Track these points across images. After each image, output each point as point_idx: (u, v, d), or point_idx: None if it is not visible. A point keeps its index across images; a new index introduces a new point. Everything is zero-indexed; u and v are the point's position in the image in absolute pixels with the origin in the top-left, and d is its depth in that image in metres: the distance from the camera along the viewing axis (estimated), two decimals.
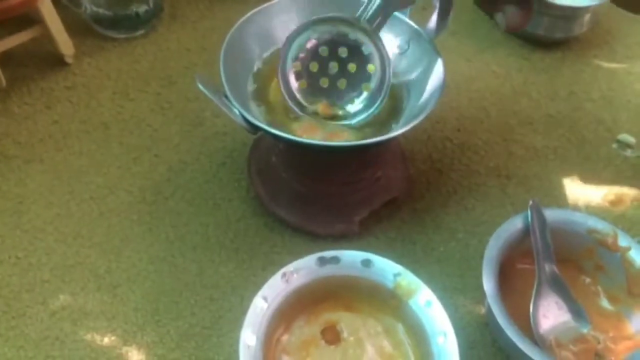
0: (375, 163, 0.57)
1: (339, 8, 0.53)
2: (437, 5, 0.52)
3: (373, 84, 0.51)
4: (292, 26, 0.53)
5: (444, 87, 0.51)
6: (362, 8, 0.50)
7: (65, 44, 0.66)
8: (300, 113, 0.52)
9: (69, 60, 0.68)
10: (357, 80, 0.52)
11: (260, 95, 0.54)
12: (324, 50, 0.51)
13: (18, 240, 0.55)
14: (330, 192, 0.57)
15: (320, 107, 0.52)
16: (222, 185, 0.60)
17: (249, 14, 0.54)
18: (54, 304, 0.51)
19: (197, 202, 0.59)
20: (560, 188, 0.63)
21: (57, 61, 0.68)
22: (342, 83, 0.52)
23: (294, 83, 0.52)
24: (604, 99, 0.71)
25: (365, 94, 0.52)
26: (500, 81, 0.72)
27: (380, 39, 0.51)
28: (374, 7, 0.50)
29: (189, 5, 0.77)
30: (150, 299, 0.52)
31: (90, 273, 0.53)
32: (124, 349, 0.49)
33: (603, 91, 0.72)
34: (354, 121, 0.52)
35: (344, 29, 0.51)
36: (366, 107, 0.52)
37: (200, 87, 0.48)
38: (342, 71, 0.52)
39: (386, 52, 0.51)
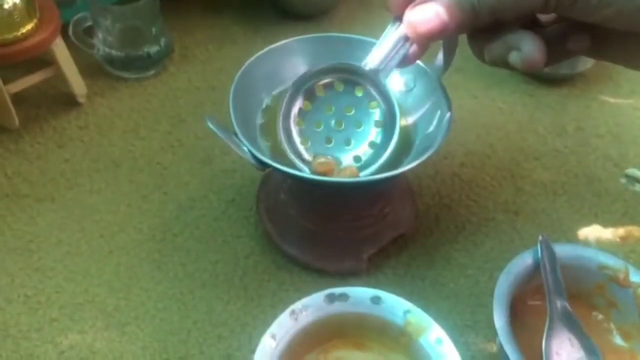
0: (384, 199, 0.57)
1: (347, 50, 0.54)
2: (442, 43, 0.53)
3: (376, 135, 0.51)
4: (300, 66, 0.54)
5: (450, 123, 0.51)
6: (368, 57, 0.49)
7: (78, 84, 0.68)
8: (303, 168, 0.51)
9: (81, 100, 0.69)
10: (359, 131, 0.51)
11: (269, 130, 0.55)
12: (329, 109, 0.51)
13: (27, 279, 0.55)
14: (338, 229, 0.57)
15: (318, 163, 0.51)
16: (231, 222, 0.60)
17: (258, 54, 0.55)
18: (62, 343, 0.51)
19: (205, 239, 0.59)
20: (569, 223, 0.63)
21: (69, 101, 0.69)
22: (350, 140, 0.51)
23: (295, 137, 0.51)
24: (610, 134, 0.71)
25: (368, 147, 0.51)
26: (506, 117, 0.73)
27: (385, 86, 0.50)
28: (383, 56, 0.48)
29: (199, 46, 0.78)
30: (159, 338, 0.52)
31: (99, 311, 0.53)
32: None
33: (610, 126, 0.72)
34: (362, 174, 0.51)
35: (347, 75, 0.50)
36: (373, 157, 0.51)
37: (210, 126, 0.49)
38: (342, 120, 0.51)
39: (391, 99, 0.50)
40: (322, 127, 0.52)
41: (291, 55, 0.56)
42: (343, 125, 0.52)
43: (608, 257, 0.52)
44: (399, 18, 0.45)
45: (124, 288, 0.55)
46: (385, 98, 0.50)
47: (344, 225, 0.56)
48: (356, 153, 0.52)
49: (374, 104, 0.51)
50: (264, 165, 0.49)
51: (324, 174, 0.51)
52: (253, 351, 0.44)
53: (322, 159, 0.51)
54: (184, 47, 0.78)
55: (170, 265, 0.57)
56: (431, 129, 0.53)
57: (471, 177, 0.66)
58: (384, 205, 0.57)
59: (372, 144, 0.51)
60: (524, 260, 0.52)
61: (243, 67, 0.54)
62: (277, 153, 0.53)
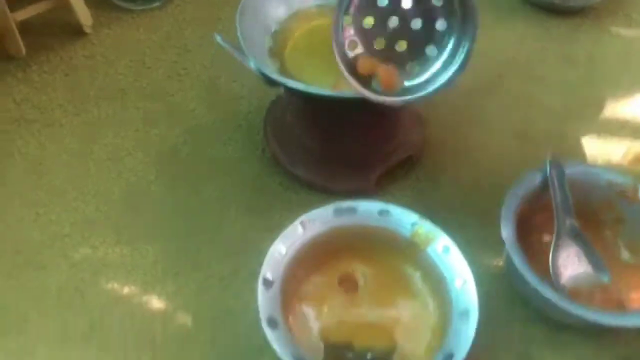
0: (391, 120, 0.57)
1: None
2: None
3: (440, 47, 0.44)
4: None
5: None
6: None
7: (83, 14, 0.67)
8: (359, 88, 0.44)
9: (87, 30, 0.69)
10: (420, 41, 0.44)
11: (277, 53, 0.55)
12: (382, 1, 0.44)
13: (38, 199, 0.56)
14: (345, 150, 0.57)
15: (381, 73, 0.44)
16: (239, 147, 0.61)
17: None
18: (73, 257, 0.52)
19: (214, 162, 0.59)
20: (578, 148, 0.62)
21: (75, 31, 0.69)
22: (401, 45, 0.45)
23: (347, 50, 0.44)
24: (621, 63, 0.71)
25: (432, 60, 0.44)
26: (516, 48, 0.72)
27: None
28: None
29: None
30: (169, 254, 0.52)
31: (110, 228, 0.54)
32: (144, 298, 0.50)
33: (620, 56, 0.71)
34: (417, 95, 0.45)
35: None
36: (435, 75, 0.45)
37: (219, 40, 0.49)
38: (404, 28, 0.44)
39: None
40: (373, 24, 0.44)
41: None
42: (398, 24, 0.44)
43: (617, 174, 0.52)
44: None
45: (134, 207, 0.55)
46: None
47: (351, 145, 0.56)
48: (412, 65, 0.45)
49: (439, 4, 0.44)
50: (271, 81, 0.49)
51: (366, 72, 0.45)
52: (261, 265, 0.45)
53: (366, 57, 0.45)
54: None
55: (178, 187, 0.57)
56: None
57: (481, 105, 0.66)
58: (391, 125, 0.57)
59: (431, 52, 0.45)
60: (533, 177, 0.52)
61: None
62: (285, 73, 0.53)
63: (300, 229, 0.48)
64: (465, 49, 0.45)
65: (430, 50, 0.46)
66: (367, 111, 0.55)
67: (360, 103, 0.51)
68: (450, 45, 0.45)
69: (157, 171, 0.58)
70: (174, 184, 0.57)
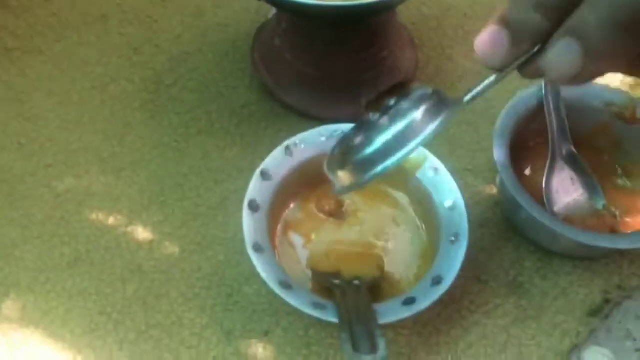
0: (381, 41, 0.55)
1: None
2: None
3: None
4: None
5: None
6: None
7: None
8: None
9: None
10: None
11: None
12: None
13: (20, 128, 0.54)
14: (335, 73, 0.55)
15: None
16: (226, 75, 0.59)
17: None
18: (58, 187, 0.51)
19: (200, 90, 0.57)
20: None
21: None
22: None
23: None
24: None
25: None
26: None
27: None
28: None
29: None
30: (155, 182, 0.52)
31: (94, 157, 0.53)
32: (130, 227, 0.49)
33: None
34: None
35: None
36: None
37: None
38: None
39: None
40: None
41: None
42: None
43: (614, 93, 0.50)
44: None
45: (118, 136, 0.54)
46: None
47: (341, 68, 0.54)
48: None
49: None
50: None
51: None
52: None
53: None
54: None
55: (164, 115, 0.55)
56: None
57: (476, 29, 0.62)
58: (381, 47, 0.55)
59: None
60: (527, 98, 0.50)
61: None
62: None
63: (285, 155, 0.46)
64: None
65: None
66: (359, 30, 0.53)
67: (349, 16, 0.48)
68: None
69: (142, 99, 0.56)
70: (159, 112, 0.56)
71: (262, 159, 0.53)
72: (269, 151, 0.53)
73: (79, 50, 0.59)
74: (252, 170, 0.52)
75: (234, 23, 0.63)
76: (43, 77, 0.57)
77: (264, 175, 0.45)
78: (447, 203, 0.44)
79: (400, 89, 0.35)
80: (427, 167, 0.46)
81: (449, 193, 0.44)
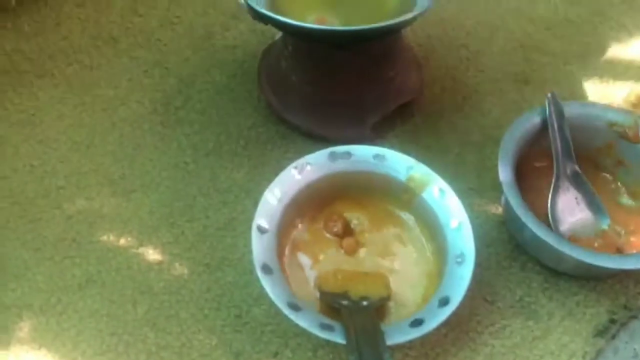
0: (387, 63, 0.56)
1: None
2: None
3: None
4: None
5: None
6: None
7: None
8: None
9: None
10: None
11: None
12: None
13: (32, 150, 0.55)
14: (341, 95, 0.55)
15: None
16: (234, 96, 0.60)
17: None
18: (69, 209, 0.52)
19: (208, 112, 0.58)
20: (580, 91, 0.61)
21: None
22: None
23: None
24: (624, 3, 0.68)
25: None
26: None
27: None
28: None
29: None
30: (165, 203, 0.52)
31: (105, 179, 0.53)
32: (140, 249, 0.50)
33: None
34: None
35: None
36: None
37: None
38: None
39: None
40: None
41: None
42: None
43: (617, 114, 0.51)
44: None
45: (129, 158, 0.55)
46: None
47: (348, 89, 0.55)
48: None
49: None
50: (261, 17, 0.47)
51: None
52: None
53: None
54: None
55: (173, 137, 0.56)
56: None
57: (479, 48, 0.64)
58: (388, 69, 0.55)
59: None
60: (531, 118, 0.51)
61: None
62: (275, 10, 0.51)
63: (294, 174, 0.47)
64: None
65: None
66: (362, 52, 0.54)
67: (353, 39, 0.49)
68: None
69: (151, 121, 0.57)
70: (168, 134, 0.57)
71: (269, 179, 0.53)
72: (275, 172, 0.54)
73: (90, 73, 0.60)
74: (260, 192, 0.53)
75: (242, 44, 0.64)
76: (54, 100, 0.58)
77: (273, 196, 0.46)
78: (453, 223, 0.44)
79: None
80: (433, 187, 0.46)
81: (454, 214, 0.45)
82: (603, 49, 0.65)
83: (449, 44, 0.64)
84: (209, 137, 0.57)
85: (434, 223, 0.46)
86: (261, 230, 0.44)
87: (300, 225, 0.49)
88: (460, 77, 0.62)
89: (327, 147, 0.55)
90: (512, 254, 0.50)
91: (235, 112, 0.58)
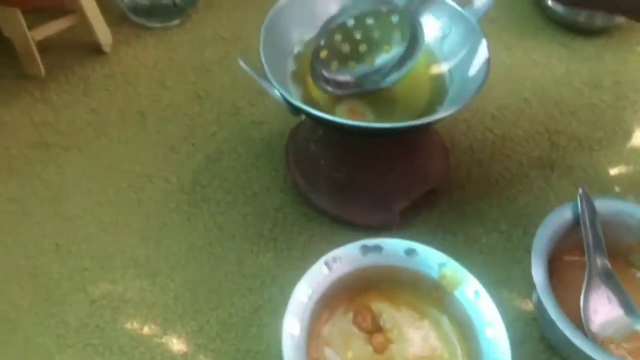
0: (415, 151, 0.56)
1: None
2: None
3: (397, 44, 0.50)
4: (333, 7, 0.52)
5: (489, 69, 0.50)
6: None
7: (103, 32, 0.66)
8: (327, 87, 0.51)
9: (106, 49, 0.68)
10: (380, 44, 0.51)
11: (300, 77, 0.53)
12: (350, 22, 0.50)
13: (58, 228, 0.55)
14: (369, 181, 0.55)
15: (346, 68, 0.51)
16: (260, 175, 0.59)
17: None
18: (93, 292, 0.51)
19: (235, 191, 0.58)
20: (606, 179, 0.61)
21: (94, 50, 0.68)
22: (364, 47, 0.51)
23: (319, 59, 0.51)
24: None
25: (389, 53, 0.51)
26: (540, 70, 0.70)
27: (415, 16, 0.49)
28: None
29: None
30: (190, 288, 0.52)
31: (130, 261, 0.53)
32: (164, 338, 0.49)
33: None
34: (383, 83, 0.51)
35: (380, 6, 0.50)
36: (395, 66, 0.51)
37: (243, 66, 0.48)
38: (366, 37, 0.51)
39: (418, 20, 0.49)
40: (341, 38, 0.51)
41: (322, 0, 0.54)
42: (366, 39, 0.51)
43: None
44: None
45: (154, 238, 0.54)
46: (410, 17, 0.49)
47: (376, 177, 0.55)
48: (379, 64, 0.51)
49: (396, 21, 0.50)
50: (296, 110, 0.48)
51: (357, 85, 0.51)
52: (284, 303, 0.44)
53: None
54: None
55: (199, 217, 0.56)
56: (467, 76, 0.52)
57: (504, 132, 0.64)
58: (415, 157, 0.56)
59: (387, 50, 0.51)
60: (563, 214, 0.51)
61: (272, 10, 0.52)
62: (308, 100, 0.52)
63: (325, 269, 0.47)
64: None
65: (386, 48, 0.51)
66: (393, 141, 0.54)
67: (386, 134, 0.50)
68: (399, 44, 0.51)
69: (178, 200, 0.57)
70: (194, 214, 0.56)
71: (296, 265, 0.53)
72: (302, 257, 0.54)
73: (117, 147, 0.61)
74: (286, 278, 0.52)
75: (268, 121, 0.64)
76: (82, 175, 0.58)
77: (303, 294, 0.45)
78: (489, 333, 0.43)
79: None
80: (466, 287, 0.46)
81: (490, 321, 0.44)
82: (628, 135, 0.65)
83: (474, 128, 0.64)
84: (235, 218, 0.56)
85: (467, 325, 0.45)
86: (293, 335, 0.43)
87: (329, 319, 0.48)
88: (487, 162, 0.62)
89: (353, 231, 0.56)
90: (546, 353, 0.49)
91: (262, 192, 0.58)
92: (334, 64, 0.51)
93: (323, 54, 0.51)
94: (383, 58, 0.51)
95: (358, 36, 0.51)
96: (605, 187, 0.60)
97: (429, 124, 0.48)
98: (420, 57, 0.51)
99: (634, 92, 0.68)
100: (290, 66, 0.54)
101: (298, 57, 0.55)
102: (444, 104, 0.52)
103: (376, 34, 0.51)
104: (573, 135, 0.64)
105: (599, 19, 0.73)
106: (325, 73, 0.51)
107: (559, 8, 0.74)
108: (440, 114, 0.47)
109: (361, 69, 0.52)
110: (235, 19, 0.73)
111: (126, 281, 0.52)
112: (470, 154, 0.62)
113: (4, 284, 0.51)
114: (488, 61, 0.50)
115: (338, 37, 0.51)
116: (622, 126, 0.65)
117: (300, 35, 0.55)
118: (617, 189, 0.60)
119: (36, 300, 0.50)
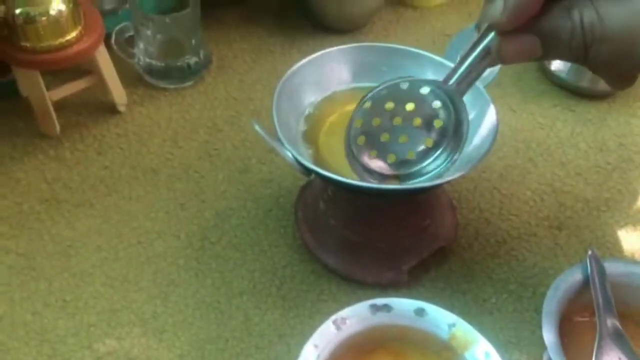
0: (424, 210, 0.56)
1: (390, 60, 0.54)
2: None
3: (436, 137, 0.48)
4: (344, 74, 0.54)
5: (496, 134, 0.51)
6: (448, 73, 0.45)
7: (118, 93, 0.68)
8: (366, 177, 0.48)
9: (121, 108, 0.69)
10: (420, 134, 0.48)
11: (311, 137, 0.55)
12: (389, 105, 0.47)
13: (65, 284, 0.55)
14: (378, 240, 0.56)
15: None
16: (269, 232, 0.60)
17: (302, 62, 0.55)
18: (99, 349, 0.51)
19: (243, 248, 0.58)
20: (614, 240, 0.61)
21: (109, 109, 0.70)
22: (403, 138, 0.48)
23: (357, 145, 0.48)
24: None
25: (428, 149, 0.48)
26: (546, 132, 0.72)
27: (460, 100, 0.46)
28: (460, 72, 0.44)
29: (236, 57, 0.78)
30: (196, 346, 0.51)
31: (137, 318, 0.53)
32: None
33: None
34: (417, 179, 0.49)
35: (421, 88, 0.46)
36: (437, 163, 0.49)
37: (257, 128, 0.49)
38: (406, 125, 0.48)
39: (464, 109, 0.46)
40: (380, 123, 0.48)
41: (334, 64, 0.56)
42: (401, 122, 0.48)
43: None
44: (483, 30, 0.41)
45: (162, 294, 0.54)
46: (457, 110, 0.46)
47: (385, 235, 0.55)
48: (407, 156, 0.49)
49: (437, 103, 0.47)
50: (308, 171, 0.48)
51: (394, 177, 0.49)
52: None
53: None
54: (221, 58, 0.78)
55: (207, 273, 0.56)
56: (475, 139, 0.53)
57: (511, 192, 0.65)
58: (424, 216, 0.56)
59: (428, 142, 0.48)
60: (573, 276, 0.51)
61: (286, 74, 0.54)
62: (319, 160, 0.53)
63: (333, 328, 0.46)
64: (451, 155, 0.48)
65: (427, 140, 0.49)
66: (403, 200, 0.55)
67: (398, 193, 0.50)
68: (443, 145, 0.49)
69: (186, 257, 0.57)
70: (202, 270, 0.56)
71: (303, 323, 0.53)
72: (310, 315, 0.54)
73: (128, 204, 0.61)
74: (293, 336, 0.52)
75: (278, 178, 0.65)
76: (92, 231, 0.59)
77: (311, 354, 0.44)
78: None
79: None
80: (476, 349, 0.45)
81: None
82: (634, 197, 0.65)
83: (481, 187, 0.65)
84: (243, 275, 0.56)
85: None
86: None
87: None
88: (494, 221, 0.62)
89: (363, 289, 0.55)
90: None
91: (270, 249, 0.59)
92: (373, 152, 0.49)
93: (360, 140, 0.48)
94: (426, 158, 0.49)
95: (397, 122, 0.48)
96: (614, 248, 0.60)
97: (437, 186, 0.48)
98: None
99: (638, 155, 0.69)
100: (302, 126, 0.56)
101: (309, 118, 0.56)
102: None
103: (416, 122, 0.48)
104: (580, 196, 0.65)
105: (602, 84, 0.75)
106: (365, 161, 0.49)
107: (563, 73, 0.76)
108: (449, 177, 0.48)
109: (401, 164, 0.49)
110: (247, 80, 0.75)
111: (132, 338, 0.51)
112: (477, 213, 0.62)
113: (9, 341, 0.51)
114: (496, 127, 0.51)
115: (376, 121, 0.48)
116: (628, 188, 0.66)
117: (312, 97, 0.57)
118: (625, 249, 0.60)
119: (41, 358, 0.50)
